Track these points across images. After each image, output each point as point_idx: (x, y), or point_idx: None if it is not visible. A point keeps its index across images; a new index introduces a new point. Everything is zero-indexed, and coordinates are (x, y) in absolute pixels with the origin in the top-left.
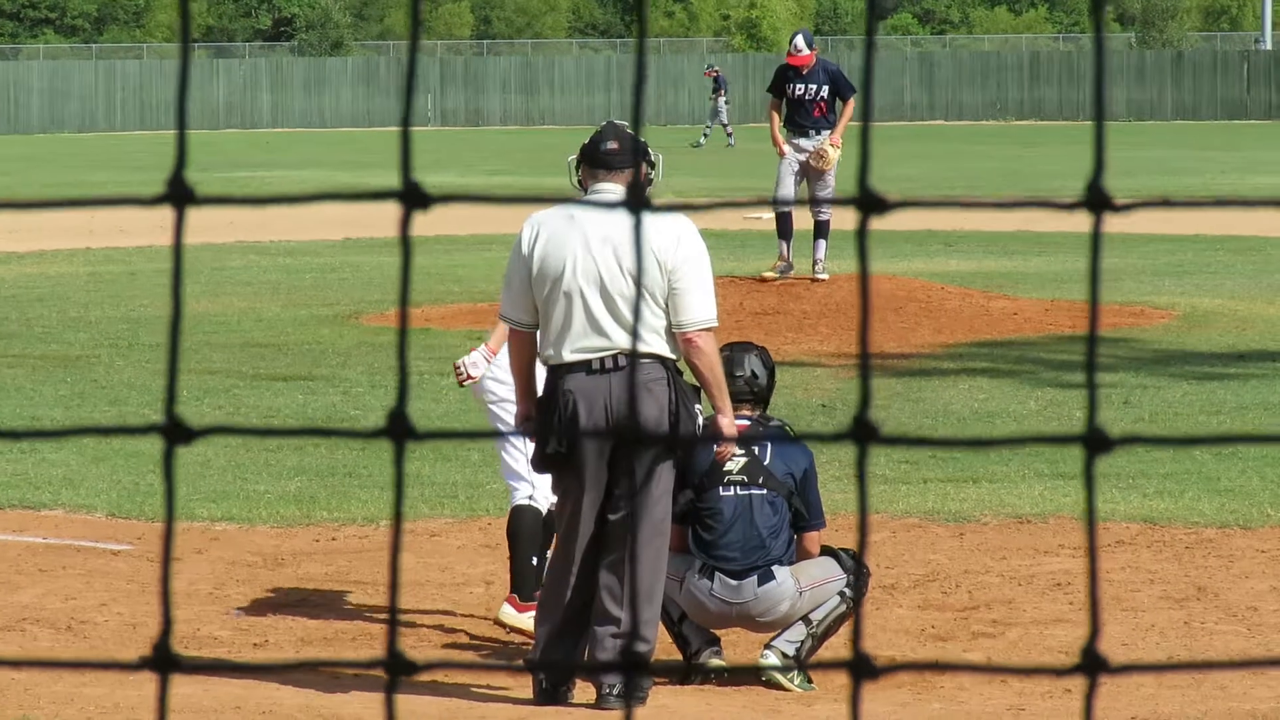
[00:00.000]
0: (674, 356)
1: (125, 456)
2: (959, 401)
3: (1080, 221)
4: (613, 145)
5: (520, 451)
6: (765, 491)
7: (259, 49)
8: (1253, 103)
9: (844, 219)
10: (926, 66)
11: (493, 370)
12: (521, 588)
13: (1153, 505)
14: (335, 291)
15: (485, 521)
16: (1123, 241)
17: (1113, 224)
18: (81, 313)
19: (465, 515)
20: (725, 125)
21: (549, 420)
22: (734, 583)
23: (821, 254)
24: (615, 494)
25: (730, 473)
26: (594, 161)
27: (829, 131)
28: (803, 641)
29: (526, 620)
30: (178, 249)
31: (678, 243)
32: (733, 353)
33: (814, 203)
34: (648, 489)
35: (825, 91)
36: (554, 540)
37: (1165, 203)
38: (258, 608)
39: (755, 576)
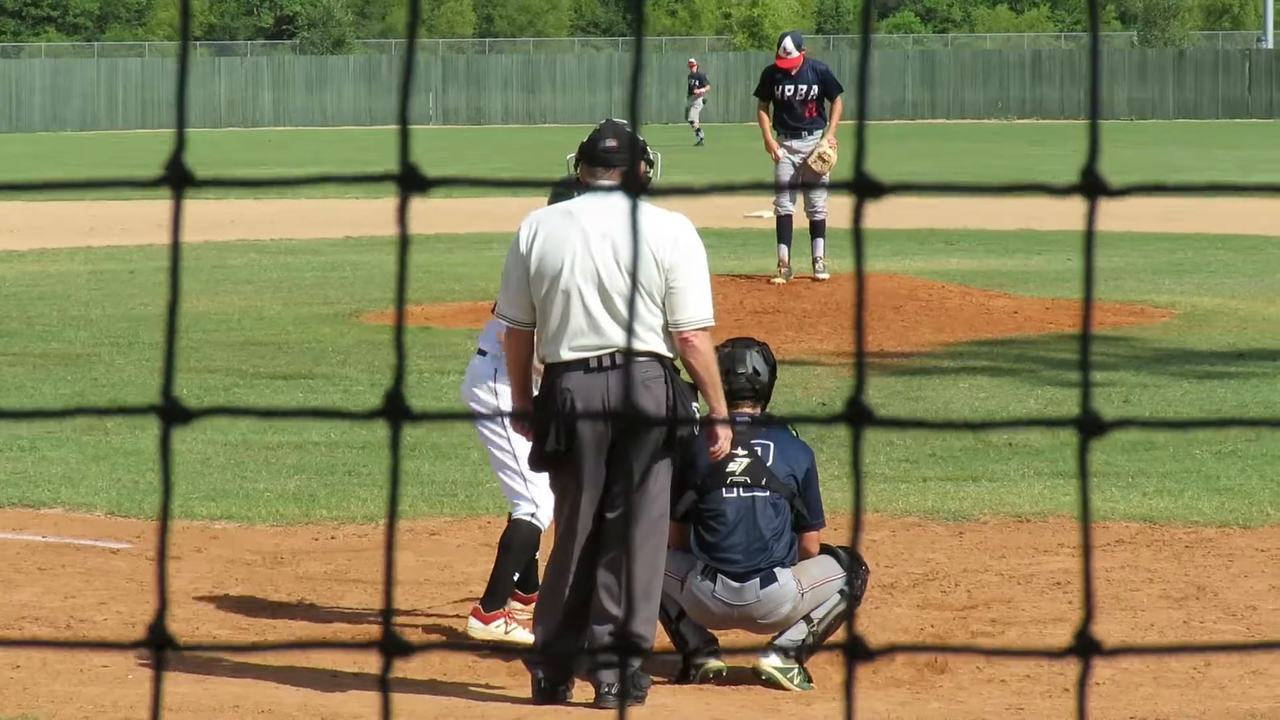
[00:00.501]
0: (671, 355)
1: (125, 455)
2: (959, 400)
3: (1080, 218)
4: (611, 143)
5: (516, 471)
6: (768, 493)
7: (260, 47)
8: (1254, 102)
9: (840, 218)
10: (928, 65)
11: (478, 371)
12: (493, 597)
13: (1152, 504)
14: (336, 290)
15: (485, 520)
16: (1123, 240)
17: (1113, 222)
18: (82, 311)
19: (465, 514)
20: (694, 123)
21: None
22: (736, 585)
23: (821, 253)
24: (613, 492)
25: (733, 474)
26: (592, 159)
27: (821, 131)
28: (804, 641)
29: (495, 629)
30: (175, 231)
31: (675, 241)
32: (734, 349)
33: (808, 196)
34: (645, 487)
35: (815, 91)
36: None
37: (1160, 188)
38: (257, 606)
39: (758, 579)
